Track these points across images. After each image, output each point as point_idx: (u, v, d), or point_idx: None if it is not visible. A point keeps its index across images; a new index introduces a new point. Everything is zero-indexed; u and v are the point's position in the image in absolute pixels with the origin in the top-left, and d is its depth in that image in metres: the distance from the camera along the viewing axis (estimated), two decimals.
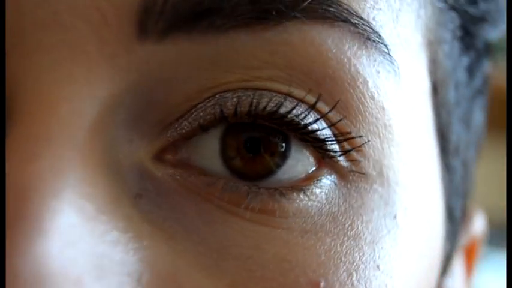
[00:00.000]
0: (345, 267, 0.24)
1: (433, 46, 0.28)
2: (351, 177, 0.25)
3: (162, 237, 0.23)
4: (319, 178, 0.24)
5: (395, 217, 0.25)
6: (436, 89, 0.29)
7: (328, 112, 0.24)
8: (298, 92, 0.23)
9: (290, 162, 0.24)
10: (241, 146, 0.24)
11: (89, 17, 0.22)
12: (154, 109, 0.23)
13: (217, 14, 0.22)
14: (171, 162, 0.24)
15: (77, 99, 0.22)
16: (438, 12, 0.28)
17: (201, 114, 0.24)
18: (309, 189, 0.24)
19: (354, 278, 0.24)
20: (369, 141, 0.25)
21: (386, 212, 0.25)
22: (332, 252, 0.24)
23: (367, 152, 0.25)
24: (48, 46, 0.22)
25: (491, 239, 1.59)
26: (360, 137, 0.25)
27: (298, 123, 0.24)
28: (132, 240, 0.22)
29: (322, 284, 0.23)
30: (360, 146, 0.25)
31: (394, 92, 0.25)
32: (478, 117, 0.34)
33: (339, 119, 0.24)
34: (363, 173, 0.25)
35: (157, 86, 0.23)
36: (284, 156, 0.24)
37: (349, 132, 0.24)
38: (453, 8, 0.29)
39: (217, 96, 0.23)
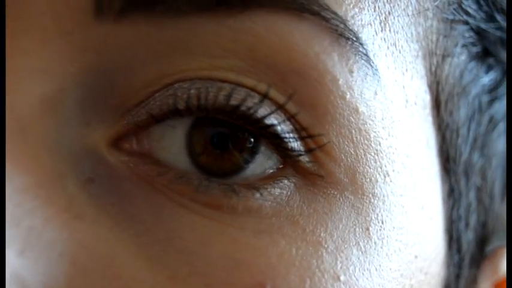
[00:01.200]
0: (297, 273, 0.23)
1: (435, 58, 0.27)
2: (318, 182, 0.23)
3: (106, 222, 0.22)
4: (280, 179, 0.23)
5: (367, 229, 0.24)
6: (439, 105, 0.27)
7: (285, 104, 0.23)
8: (261, 86, 0.22)
9: (259, 159, 0.23)
10: (208, 142, 0.23)
11: None
12: (115, 93, 0.23)
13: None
14: (127, 151, 0.23)
15: (27, 72, 0.22)
16: (445, 24, 0.27)
17: (158, 103, 0.23)
18: (266, 188, 0.23)
19: (306, 285, 0.23)
20: (329, 142, 0.23)
21: (357, 222, 0.24)
22: (285, 256, 0.23)
23: (337, 155, 0.24)
24: (8, 23, 0.21)
25: None
26: (322, 135, 0.23)
27: (254, 117, 0.22)
28: (70, 220, 0.21)
29: (268, 287, 0.22)
30: (324, 146, 0.23)
31: (373, 97, 0.24)
32: (500, 144, 0.32)
33: (296, 111, 0.23)
34: (332, 178, 0.24)
35: (117, 68, 0.22)
36: (253, 152, 0.23)
37: (306, 128, 0.23)
38: (465, 22, 0.28)
39: (175, 85, 0.22)
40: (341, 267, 0.23)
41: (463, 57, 0.28)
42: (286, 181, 0.23)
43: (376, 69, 0.24)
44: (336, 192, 0.24)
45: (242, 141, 0.23)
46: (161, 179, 0.23)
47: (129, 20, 0.22)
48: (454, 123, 0.28)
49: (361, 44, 0.23)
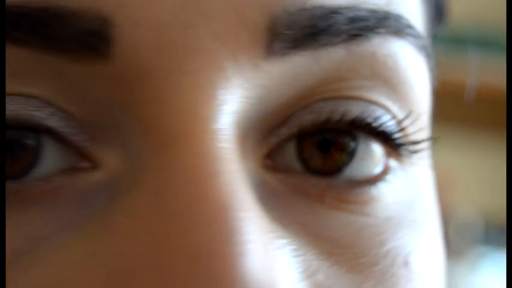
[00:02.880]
0: (423, 249, 0.27)
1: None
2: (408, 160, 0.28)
3: (287, 234, 0.25)
4: (391, 170, 0.27)
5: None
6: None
7: (404, 118, 0.27)
8: (380, 99, 0.27)
9: (359, 156, 0.27)
10: (315, 147, 0.26)
11: (227, 40, 0.24)
12: (264, 119, 0.25)
13: (327, 34, 0.25)
14: (272, 167, 0.26)
15: (220, 116, 0.24)
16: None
17: (297, 122, 0.26)
18: (383, 178, 0.27)
19: (430, 258, 0.27)
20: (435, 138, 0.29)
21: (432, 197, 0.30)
22: (418, 240, 0.27)
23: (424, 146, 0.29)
24: (191, 69, 0.23)
25: (491, 239, 1.59)
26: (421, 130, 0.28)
27: (373, 126, 0.27)
28: (282, 242, 0.24)
29: (410, 262, 0.26)
30: (422, 142, 0.28)
31: (429, 92, 0.29)
32: None
33: (403, 117, 0.27)
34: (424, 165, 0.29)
35: (271, 98, 0.25)
36: (353, 152, 0.27)
37: (405, 128, 0.27)
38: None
39: (314, 105, 0.26)
40: (438, 236, 0.29)
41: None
42: (395, 171, 0.27)
43: (433, 69, 0.29)
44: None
45: (343, 144, 0.27)
46: (315, 189, 0.26)
47: (290, 56, 0.25)
48: None
49: (427, 52, 0.28)
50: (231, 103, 0.24)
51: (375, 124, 0.26)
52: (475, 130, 1.57)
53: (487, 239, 1.47)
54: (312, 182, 0.26)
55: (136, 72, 0.23)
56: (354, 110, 0.26)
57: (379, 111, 0.26)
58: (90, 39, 0.23)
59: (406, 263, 0.26)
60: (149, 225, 0.22)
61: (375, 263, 0.26)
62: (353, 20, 0.25)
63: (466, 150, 1.60)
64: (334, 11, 0.25)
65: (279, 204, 0.25)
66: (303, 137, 0.26)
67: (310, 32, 0.25)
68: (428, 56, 0.28)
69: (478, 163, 1.59)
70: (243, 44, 0.24)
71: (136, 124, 0.24)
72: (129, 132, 0.24)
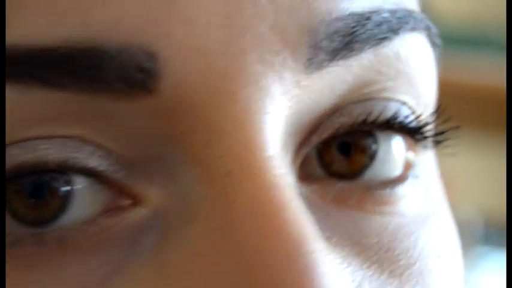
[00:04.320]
0: (448, 240, 0.27)
1: None
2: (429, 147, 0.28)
3: (331, 247, 0.24)
4: (413, 165, 0.27)
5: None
6: None
7: (417, 110, 0.27)
8: (402, 97, 0.27)
9: (381, 156, 0.27)
10: (335, 152, 0.26)
11: (274, 63, 0.23)
12: (298, 133, 0.25)
13: (359, 41, 0.25)
14: (304, 179, 0.26)
15: (273, 141, 0.23)
16: None
17: (328, 127, 0.26)
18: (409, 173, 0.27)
19: (453, 247, 0.27)
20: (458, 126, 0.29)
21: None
22: (441, 230, 0.27)
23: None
24: (242, 96, 0.23)
25: (491, 239, 1.59)
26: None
27: (400, 122, 0.27)
28: (333, 260, 0.24)
29: (441, 256, 0.26)
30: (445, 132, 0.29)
31: (436, 84, 0.30)
32: None
33: (422, 112, 0.27)
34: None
35: (304, 111, 0.25)
36: (375, 153, 0.27)
37: (422, 119, 0.28)
38: None
39: (341, 109, 0.26)
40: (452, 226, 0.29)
41: None
42: (419, 167, 0.27)
43: (439, 57, 0.29)
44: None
45: (363, 146, 0.26)
46: (346, 195, 0.26)
47: (326, 68, 0.24)
48: None
49: (438, 45, 0.28)
50: (278, 125, 0.24)
51: (396, 120, 0.26)
52: (475, 130, 1.57)
53: (487, 239, 1.47)
54: (340, 187, 0.25)
55: (186, 103, 0.23)
56: (389, 110, 0.26)
57: (400, 106, 0.26)
58: (137, 76, 0.22)
59: (438, 257, 0.26)
60: (209, 264, 0.22)
61: (413, 263, 0.26)
62: (380, 23, 0.25)
63: (466, 149, 1.60)
64: (365, 17, 0.25)
65: (319, 217, 0.24)
66: (322, 142, 0.26)
67: (346, 41, 0.24)
68: (435, 46, 0.28)
69: (478, 163, 1.59)
70: (287, 64, 0.24)
71: (184, 156, 0.23)
72: (175, 165, 0.23)
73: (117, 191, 0.23)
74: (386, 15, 0.25)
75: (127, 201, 0.23)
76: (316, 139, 0.25)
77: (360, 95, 0.26)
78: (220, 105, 0.23)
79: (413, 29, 0.26)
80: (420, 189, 0.27)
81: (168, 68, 0.22)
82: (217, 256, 0.22)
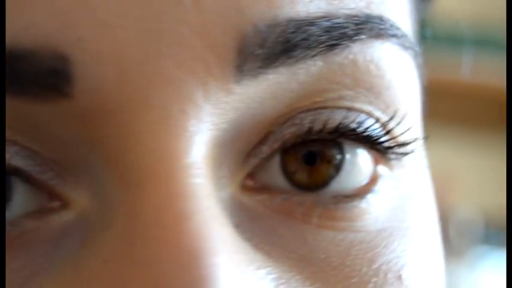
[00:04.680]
0: (418, 259, 0.26)
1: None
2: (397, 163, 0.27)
3: (269, 262, 0.24)
4: (380, 178, 0.26)
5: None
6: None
7: (389, 121, 0.26)
8: (363, 106, 0.25)
9: (346, 167, 0.26)
10: (300, 161, 0.25)
11: (195, 69, 0.22)
12: (239, 142, 0.24)
13: (301, 47, 0.24)
14: (254, 188, 0.25)
15: (192, 149, 0.23)
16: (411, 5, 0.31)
17: (279, 137, 0.25)
18: (371, 189, 0.26)
19: (425, 266, 0.26)
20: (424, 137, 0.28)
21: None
22: (411, 248, 0.26)
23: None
24: (158, 102, 0.22)
25: (491, 239, 1.59)
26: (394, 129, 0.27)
27: (357, 131, 0.25)
28: (258, 269, 0.23)
29: (403, 277, 0.25)
30: (410, 143, 0.27)
31: (418, 91, 0.28)
32: None
33: (387, 120, 0.26)
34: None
35: (244, 120, 0.24)
36: (340, 164, 0.26)
37: (391, 129, 0.26)
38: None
39: (292, 118, 0.25)
40: (435, 243, 0.27)
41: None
42: (384, 180, 0.26)
43: (420, 67, 0.28)
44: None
45: (330, 156, 0.25)
46: (299, 209, 0.25)
47: (262, 75, 0.23)
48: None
49: (414, 50, 0.27)
50: (203, 133, 0.23)
51: (359, 129, 0.25)
52: (475, 130, 1.57)
53: (487, 239, 1.47)
54: (298, 200, 0.25)
55: (101, 108, 0.22)
56: (337, 117, 0.25)
57: (362, 116, 0.25)
58: (50, 79, 0.22)
59: (399, 278, 0.25)
60: (119, 273, 0.21)
61: (366, 282, 0.24)
62: (330, 29, 0.24)
63: (466, 149, 1.60)
64: (308, 23, 0.23)
65: (261, 229, 0.24)
66: (286, 151, 0.25)
67: (283, 48, 0.23)
68: (415, 53, 0.27)
69: (478, 163, 1.59)
70: (212, 70, 0.22)
71: (104, 161, 0.23)
72: (97, 170, 0.23)
73: (47, 193, 0.23)
74: (339, 20, 0.24)
75: (56, 204, 0.23)
76: (267, 149, 0.25)
77: (312, 104, 0.25)
78: (134, 111, 0.22)
79: (378, 36, 0.25)
80: (387, 204, 0.26)
81: (81, 72, 0.22)
82: (124, 264, 0.21)
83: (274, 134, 0.25)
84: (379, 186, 0.26)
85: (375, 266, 0.25)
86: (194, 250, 0.21)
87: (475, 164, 1.59)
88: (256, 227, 0.24)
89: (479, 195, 1.54)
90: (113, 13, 0.22)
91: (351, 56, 0.25)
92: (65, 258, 0.23)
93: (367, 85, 0.25)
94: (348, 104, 0.25)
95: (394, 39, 0.26)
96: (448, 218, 1.35)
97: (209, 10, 0.22)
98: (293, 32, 0.23)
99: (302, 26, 0.23)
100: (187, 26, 0.22)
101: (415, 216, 0.26)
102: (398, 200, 0.26)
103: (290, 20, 0.23)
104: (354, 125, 0.25)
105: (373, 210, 0.25)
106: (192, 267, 0.21)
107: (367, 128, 0.25)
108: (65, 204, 0.23)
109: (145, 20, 0.22)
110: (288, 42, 0.23)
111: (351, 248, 0.25)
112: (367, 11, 0.25)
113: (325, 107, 0.25)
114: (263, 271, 0.23)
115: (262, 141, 0.25)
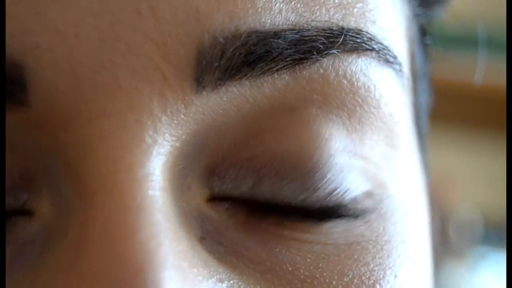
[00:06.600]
0: (390, 271, 0.25)
1: (412, 46, 0.29)
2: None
3: (235, 274, 0.24)
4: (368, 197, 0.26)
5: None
6: (416, 90, 0.30)
7: (352, 133, 0.25)
8: (336, 125, 0.25)
9: None
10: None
11: (151, 78, 0.22)
12: (205, 154, 0.24)
13: (265, 60, 0.23)
14: (219, 200, 0.25)
15: (148, 161, 0.22)
16: (408, 11, 0.29)
17: (246, 153, 0.24)
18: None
19: (405, 281, 0.25)
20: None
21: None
22: (382, 260, 0.25)
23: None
24: (114, 111, 0.22)
25: (491, 239, 1.59)
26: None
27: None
28: (217, 283, 0.23)
29: None
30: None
31: (402, 105, 0.27)
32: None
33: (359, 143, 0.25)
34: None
35: (209, 132, 0.24)
36: None
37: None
38: (415, 15, 0.31)
39: (258, 136, 0.24)
40: (412, 253, 0.26)
41: (418, 40, 0.31)
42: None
43: (407, 80, 0.27)
44: None
45: None
46: (267, 222, 0.24)
47: (224, 87, 0.23)
48: (420, 104, 0.31)
49: (398, 63, 0.26)
50: (161, 144, 0.22)
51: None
52: (475, 130, 1.57)
53: (487, 239, 1.47)
54: (267, 211, 0.24)
55: (58, 116, 0.22)
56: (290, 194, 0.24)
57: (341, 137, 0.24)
58: (6, 87, 0.21)
59: None
60: (65, 285, 0.21)
61: None
62: (297, 42, 0.23)
63: (466, 149, 1.60)
64: (273, 35, 0.23)
65: (227, 241, 0.24)
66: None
67: (245, 60, 0.23)
68: (399, 67, 0.26)
69: (478, 163, 1.59)
70: (169, 80, 0.22)
71: (63, 170, 0.22)
72: (58, 179, 0.23)
73: (14, 203, 0.23)
74: (308, 33, 0.23)
75: (21, 213, 0.23)
76: (242, 162, 0.24)
77: (279, 121, 0.24)
78: (89, 120, 0.22)
79: (353, 50, 0.24)
80: (360, 218, 0.25)
81: (36, 80, 0.22)
82: (71, 277, 0.21)
83: (243, 151, 0.24)
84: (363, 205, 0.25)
85: (347, 279, 0.24)
86: (140, 265, 0.21)
87: (475, 164, 1.59)
88: (222, 238, 0.24)
89: (479, 195, 1.54)
90: (68, 22, 0.22)
91: (321, 71, 0.24)
92: (27, 267, 0.22)
93: (339, 103, 0.24)
94: (318, 121, 0.24)
95: (372, 53, 0.25)
96: (448, 218, 1.35)
97: (167, 20, 0.22)
98: (255, 44, 0.23)
99: (266, 38, 0.23)
100: (144, 36, 0.22)
101: (396, 230, 0.26)
102: (376, 216, 0.25)
103: (252, 32, 0.23)
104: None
105: (344, 224, 0.25)
106: (135, 282, 0.21)
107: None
108: (29, 213, 0.23)
109: (101, 28, 0.22)
110: (250, 54, 0.23)
111: (319, 260, 0.24)
112: (342, 24, 0.24)
113: (293, 125, 0.24)
114: (225, 284, 0.23)
115: (234, 154, 0.24)
